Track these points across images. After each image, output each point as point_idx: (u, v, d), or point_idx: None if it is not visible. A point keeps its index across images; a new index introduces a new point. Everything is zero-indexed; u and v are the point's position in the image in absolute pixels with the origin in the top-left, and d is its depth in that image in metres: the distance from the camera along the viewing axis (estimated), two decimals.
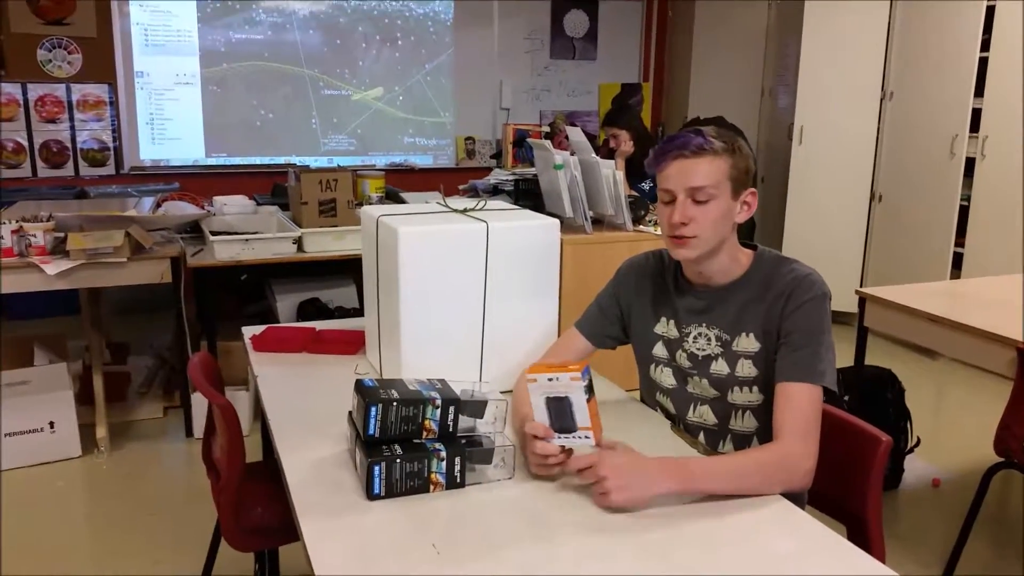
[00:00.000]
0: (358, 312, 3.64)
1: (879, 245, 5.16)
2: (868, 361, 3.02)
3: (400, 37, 5.78)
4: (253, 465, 2.10)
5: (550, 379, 1.40)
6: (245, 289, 4.12)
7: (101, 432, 3.29)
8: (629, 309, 1.76)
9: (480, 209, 1.89)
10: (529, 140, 4.56)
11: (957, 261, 4.62)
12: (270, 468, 2.18)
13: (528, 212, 1.94)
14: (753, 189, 1.59)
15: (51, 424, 3.14)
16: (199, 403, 3.37)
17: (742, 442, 1.66)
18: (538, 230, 1.82)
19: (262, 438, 2.34)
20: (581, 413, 1.41)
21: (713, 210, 1.53)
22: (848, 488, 1.70)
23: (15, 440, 3.10)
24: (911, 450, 3.17)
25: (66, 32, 4.94)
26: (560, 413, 1.41)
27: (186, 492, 3.03)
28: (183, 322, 3.34)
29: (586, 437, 1.42)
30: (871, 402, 3.12)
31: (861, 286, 5.13)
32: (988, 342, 2.48)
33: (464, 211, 1.87)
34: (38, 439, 3.12)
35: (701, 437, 1.68)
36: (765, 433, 1.63)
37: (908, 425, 3.16)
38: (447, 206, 1.91)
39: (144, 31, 5.14)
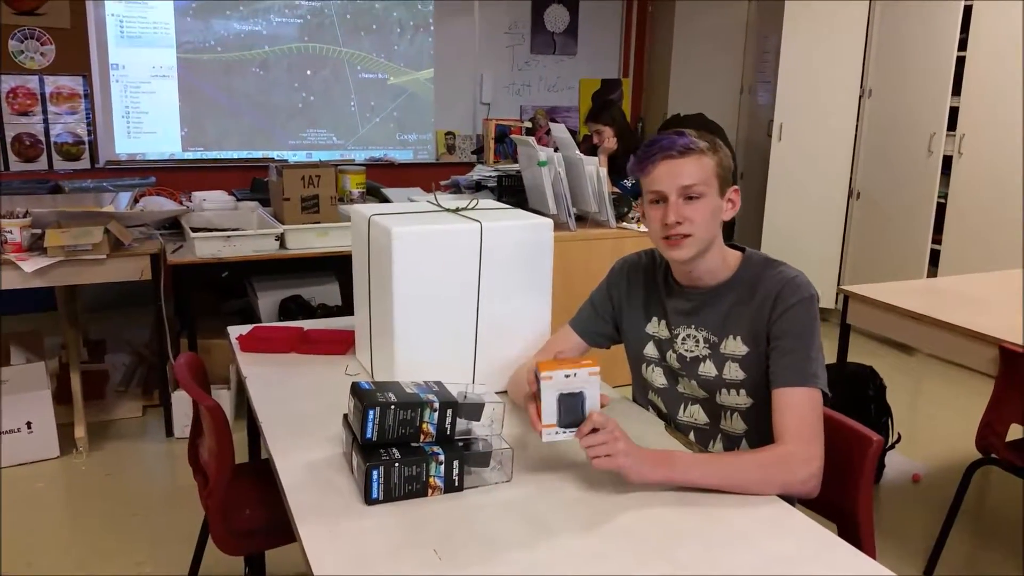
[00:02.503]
0: (341, 310, 3.61)
1: (857, 242, 5.21)
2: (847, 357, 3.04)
3: (380, 28, 5.73)
4: (239, 466, 2.07)
5: (567, 375, 1.40)
6: (224, 286, 4.07)
7: (80, 432, 3.23)
8: (621, 308, 1.77)
9: (472, 208, 1.88)
10: (513, 137, 4.54)
11: (934, 258, 4.68)
12: (257, 469, 2.16)
13: (521, 211, 1.93)
14: (736, 187, 1.61)
15: (28, 424, 3.08)
16: (179, 402, 3.33)
17: (732, 443, 1.67)
18: (531, 229, 1.81)
19: (248, 438, 2.31)
20: (593, 406, 1.41)
21: (704, 207, 1.54)
22: (838, 487, 1.71)
23: None
24: (892, 446, 3.21)
25: (39, 23, 4.83)
26: (570, 409, 1.41)
27: (168, 493, 2.99)
28: (163, 320, 3.29)
29: None
30: (853, 399, 3.15)
31: (839, 282, 5.19)
32: (970, 340, 2.51)
33: (456, 211, 1.86)
34: (15, 440, 3.06)
35: (692, 436, 1.69)
36: (754, 435, 1.64)
37: (889, 421, 3.20)
38: (439, 205, 1.89)
39: (119, 22, 5.05)
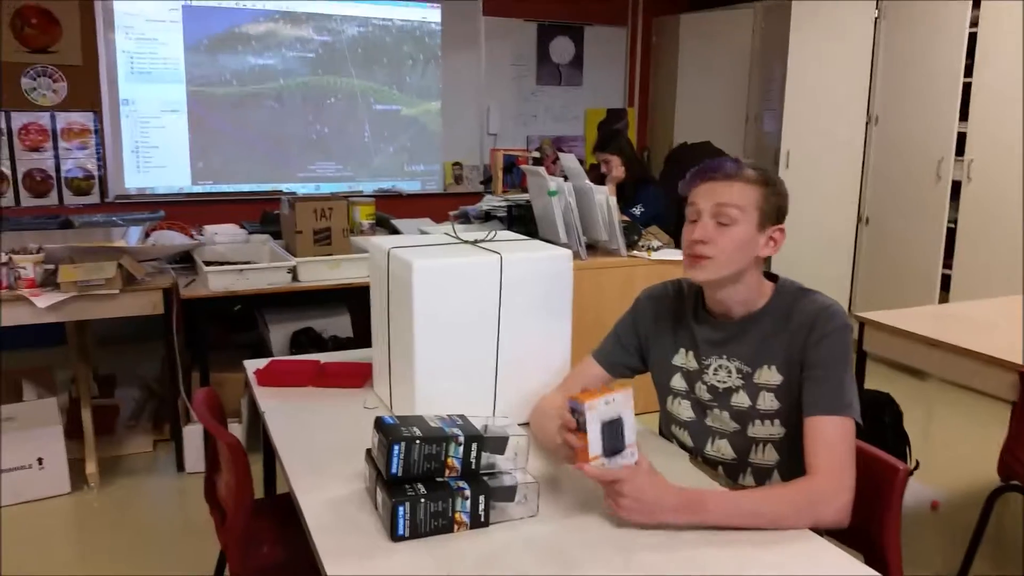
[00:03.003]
0: (352, 342, 3.60)
1: (867, 268, 5.20)
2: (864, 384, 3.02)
3: (387, 62, 5.78)
4: (256, 502, 2.05)
5: (606, 402, 1.41)
6: (234, 319, 4.06)
7: (91, 468, 3.21)
8: (647, 339, 1.75)
9: (491, 240, 1.88)
10: (523, 167, 4.56)
11: (945, 283, 4.67)
12: (273, 504, 2.14)
13: (539, 243, 1.92)
14: (782, 226, 1.58)
15: (39, 460, 3.06)
16: (190, 436, 3.31)
17: (762, 475, 1.64)
18: (551, 261, 1.80)
19: (263, 473, 2.29)
20: (630, 429, 1.43)
21: (734, 234, 1.53)
22: (865, 517, 1.69)
23: (3, 477, 3.01)
24: (911, 473, 3.17)
25: (51, 60, 4.89)
26: (612, 435, 1.41)
27: (181, 528, 2.96)
28: (175, 354, 3.28)
29: (632, 454, 1.43)
30: (870, 426, 3.10)
31: (850, 309, 5.16)
32: (988, 365, 2.49)
33: (475, 243, 1.85)
34: (26, 476, 3.04)
35: (720, 471, 1.67)
36: (786, 466, 1.62)
37: (907, 449, 3.16)
38: (457, 237, 1.89)
39: (130, 59, 5.10)
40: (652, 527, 1.38)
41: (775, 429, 1.60)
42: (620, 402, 1.42)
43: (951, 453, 3.77)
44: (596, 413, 1.40)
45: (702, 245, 1.54)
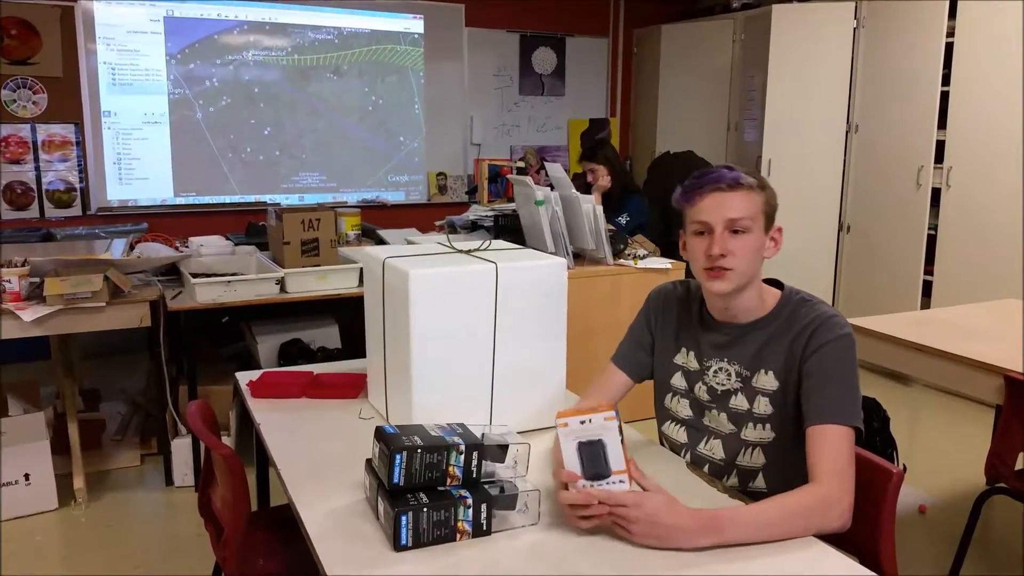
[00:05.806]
0: (341, 353, 3.59)
1: (849, 275, 5.25)
2: None
3: (370, 72, 5.79)
4: (251, 514, 2.04)
5: (582, 422, 1.38)
6: (220, 331, 4.03)
7: (78, 483, 3.17)
8: (656, 335, 1.79)
9: (485, 249, 1.89)
10: (509, 177, 4.58)
11: (927, 289, 4.72)
12: (268, 517, 2.13)
13: (533, 251, 1.93)
14: (779, 226, 1.63)
15: (26, 476, 3.02)
16: (179, 450, 3.28)
17: (747, 478, 1.66)
18: (546, 269, 1.81)
19: (256, 485, 2.28)
20: (615, 456, 1.38)
21: (749, 242, 1.56)
22: (859, 521, 1.70)
23: None
24: None
25: (31, 72, 4.85)
26: (593, 458, 1.38)
27: (170, 543, 2.93)
28: (162, 367, 3.26)
29: (620, 482, 1.37)
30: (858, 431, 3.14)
31: None
32: (973, 369, 2.52)
33: (470, 252, 1.86)
34: (13, 492, 3.00)
35: (706, 469, 1.69)
36: (772, 469, 1.64)
37: (894, 454, 3.19)
38: (452, 247, 1.89)
39: (111, 70, 5.08)
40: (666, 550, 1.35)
41: (766, 433, 1.62)
42: (599, 425, 1.37)
43: (937, 457, 3.81)
44: (568, 431, 1.36)
45: (723, 258, 1.55)
